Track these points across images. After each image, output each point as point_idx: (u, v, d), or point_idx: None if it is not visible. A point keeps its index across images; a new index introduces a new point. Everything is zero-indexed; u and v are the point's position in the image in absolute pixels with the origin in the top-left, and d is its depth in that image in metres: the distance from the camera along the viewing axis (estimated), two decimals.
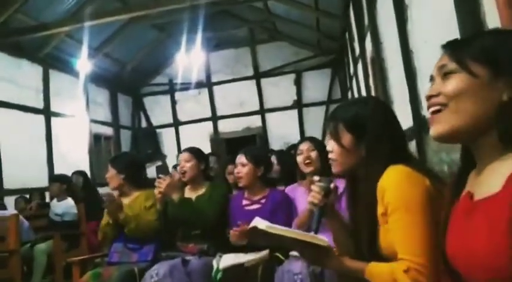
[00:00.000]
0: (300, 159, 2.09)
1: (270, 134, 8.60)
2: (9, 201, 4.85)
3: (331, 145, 1.14)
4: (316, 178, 1.22)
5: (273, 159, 2.84)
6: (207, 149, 7.48)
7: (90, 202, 4.47)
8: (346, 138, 1.11)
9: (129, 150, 8.30)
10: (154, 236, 2.28)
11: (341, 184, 1.40)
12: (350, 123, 1.11)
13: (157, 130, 8.89)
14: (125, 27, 6.84)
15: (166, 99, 8.98)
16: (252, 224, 1.12)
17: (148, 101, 9.10)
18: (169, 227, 2.19)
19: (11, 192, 5.16)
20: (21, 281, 3.45)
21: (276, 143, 8.08)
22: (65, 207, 4.34)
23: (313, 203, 1.17)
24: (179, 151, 8.81)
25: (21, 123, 5.78)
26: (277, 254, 1.96)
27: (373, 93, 4.45)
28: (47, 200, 5.03)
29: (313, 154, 2.06)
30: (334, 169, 1.15)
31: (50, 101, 6.39)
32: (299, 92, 8.59)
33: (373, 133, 1.08)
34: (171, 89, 8.92)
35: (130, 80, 8.46)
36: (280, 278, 1.77)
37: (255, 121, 8.72)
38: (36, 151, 5.99)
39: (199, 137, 8.17)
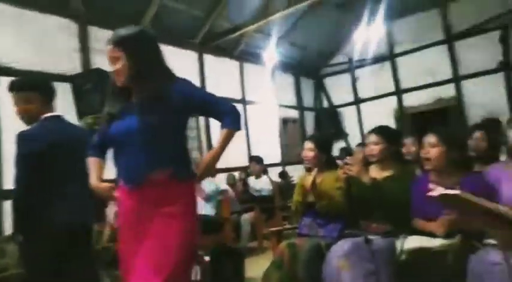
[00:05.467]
0: None
1: (467, 105, 7.50)
2: (221, 178, 5.85)
3: None
4: None
5: (479, 134, 2.51)
6: (391, 125, 7.16)
7: None
8: None
9: (313, 131, 8.75)
10: (341, 214, 2.40)
11: None
12: None
13: (339, 109, 9.01)
14: (306, 13, 7.15)
15: (347, 77, 8.95)
16: (437, 192, 1.06)
17: (329, 82, 9.28)
18: (353, 206, 2.28)
19: (222, 170, 6.25)
20: (232, 243, 4.23)
21: (475, 114, 7.02)
22: (261, 183, 5.01)
23: None
24: (361, 129, 8.77)
25: None
26: (472, 241, 1.78)
27: None
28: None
29: None
30: None
31: (245, 91, 7.37)
32: (506, 52, 7.12)
33: None
34: (350, 67, 8.85)
35: (311, 63, 8.83)
36: (474, 268, 1.61)
37: (447, 91, 7.75)
38: (237, 136, 7.03)
39: (382, 114, 7.88)
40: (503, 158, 2.16)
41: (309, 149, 2.58)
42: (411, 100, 8.15)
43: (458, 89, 7.65)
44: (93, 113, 4.38)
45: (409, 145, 2.68)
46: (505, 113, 6.78)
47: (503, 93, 7.11)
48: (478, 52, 7.32)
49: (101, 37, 5.10)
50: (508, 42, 7.12)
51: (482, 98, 7.16)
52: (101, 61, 4.60)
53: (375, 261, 1.90)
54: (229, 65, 7.17)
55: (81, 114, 4.47)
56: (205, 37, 6.49)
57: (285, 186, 5.86)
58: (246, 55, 7.43)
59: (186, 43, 6.35)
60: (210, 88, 6.65)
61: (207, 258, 2.87)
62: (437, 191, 1.04)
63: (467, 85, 7.55)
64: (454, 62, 7.68)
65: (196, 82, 6.43)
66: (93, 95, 4.29)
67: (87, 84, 4.34)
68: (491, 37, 7.23)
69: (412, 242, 1.88)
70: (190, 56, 6.46)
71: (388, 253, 1.94)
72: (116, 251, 1.81)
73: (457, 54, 7.65)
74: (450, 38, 7.71)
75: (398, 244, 1.95)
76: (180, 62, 6.16)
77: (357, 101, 8.85)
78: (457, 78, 7.66)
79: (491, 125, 2.89)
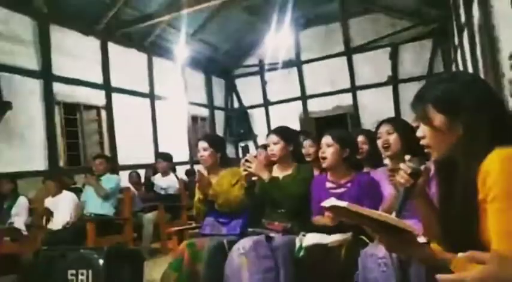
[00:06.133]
0: (379, 142, 2.01)
1: (362, 113, 8.27)
2: (123, 175, 5.52)
3: (422, 130, 1.05)
4: (407, 157, 1.17)
5: (361, 138, 2.70)
6: (297, 128, 7.53)
7: None
8: (438, 119, 1.01)
9: (223, 130, 8.77)
10: (242, 211, 2.41)
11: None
12: (440, 103, 1.00)
13: (249, 110, 9.19)
14: (218, 12, 7.12)
15: (257, 80, 9.18)
16: (328, 203, 1.11)
17: (240, 83, 9.42)
18: (255, 204, 2.30)
19: (125, 167, 5.88)
20: (133, 244, 3.99)
21: (369, 122, 7.75)
22: (168, 182, 4.82)
23: (399, 183, 1.12)
24: (269, 131, 9.02)
25: (131, 106, 6.51)
26: (362, 237, 1.93)
27: (480, 66, 3.96)
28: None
29: (392, 137, 1.95)
30: (434, 156, 1.07)
31: (154, 85, 7.05)
32: (395, 67, 8.05)
33: (469, 109, 0.97)
34: (261, 70, 9.09)
35: (223, 63, 8.85)
36: (364, 261, 1.74)
37: (346, 99, 8.45)
38: (143, 132, 6.71)
39: (289, 117, 8.24)
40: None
41: (203, 149, 2.54)
42: (314, 106, 8.70)
43: (354, 98, 8.38)
44: None
45: (308, 147, 2.80)
46: None
47: (391, 104, 7.98)
48: (372, 66, 8.12)
49: None
50: (396, 58, 8.04)
51: (374, 107, 7.96)
52: None
53: (274, 258, 1.95)
54: (136, 57, 6.79)
55: None
56: (111, 24, 6.04)
57: (191, 184, 5.73)
58: (155, 48, 7.13)
59: (88, 29, 5.83)
60: (115, 79, 6.22)
61: (101, 262, 2.64)
62: (328, 202, 1.09)
63: (362, 95, 8.32)
64: (352, 73, 8.40)
65: (98, 72, 5.97)
66: None
67: None
68: (383, 53, 8.09)
69: (311, 238, 1.96)
70: (92, 43, 5.95)
71: (287, 250, 2.00)
72: None
73: (354, 66, 8.38)
74: (349, 51, 8.41)
75: (297, 241, 2.02)
76: (80, 48, 5.67)
77: (266, 104, 9.13)
78: (354, 88, 8.39)
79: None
